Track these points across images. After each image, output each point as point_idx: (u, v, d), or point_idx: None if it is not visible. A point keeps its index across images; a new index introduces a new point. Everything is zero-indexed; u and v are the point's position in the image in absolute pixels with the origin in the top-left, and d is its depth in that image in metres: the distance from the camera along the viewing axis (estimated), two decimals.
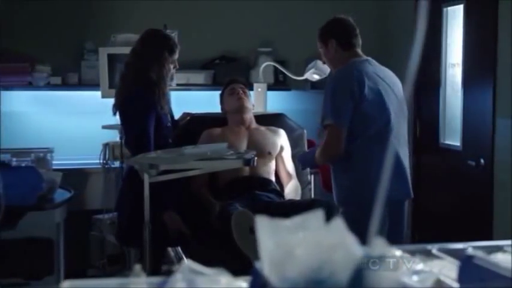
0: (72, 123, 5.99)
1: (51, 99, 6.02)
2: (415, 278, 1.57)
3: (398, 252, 1.76)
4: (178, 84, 5.91)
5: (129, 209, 4.11)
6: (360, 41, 4.08)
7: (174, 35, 4.83)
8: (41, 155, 4.25)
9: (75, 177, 5.58)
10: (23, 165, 3.96)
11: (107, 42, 5.45)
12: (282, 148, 4.56)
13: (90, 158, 5.59)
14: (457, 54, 5.33)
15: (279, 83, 6.17)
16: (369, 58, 4.03)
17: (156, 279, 1.45)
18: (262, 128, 4.63)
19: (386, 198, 3.99)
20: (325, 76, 4.73)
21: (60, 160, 5.74)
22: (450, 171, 5.42)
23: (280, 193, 4.40)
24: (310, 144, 4.86)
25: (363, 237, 3.77)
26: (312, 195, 4.76)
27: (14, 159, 4.07)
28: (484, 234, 4.73)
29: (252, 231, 3.60)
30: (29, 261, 3.80)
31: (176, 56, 4.30)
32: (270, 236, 1.19)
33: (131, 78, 4.19)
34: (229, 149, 3.87)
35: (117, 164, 5.22)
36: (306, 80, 5.15)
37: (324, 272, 1.08)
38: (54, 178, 3.71)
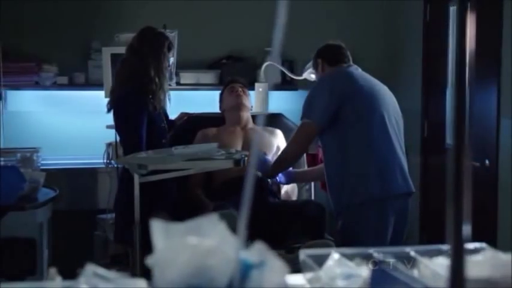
0: (79, 122, 6.00)
1: (57, 99, 6.03)
2: (341, 282, 1.54)
3: (336, 256, 1.74)
4: (184, 84, 5.92)
5: (123, 208, 4.12)
6: (350, 58, 4.17)
7: (174, 35, 4.83)
8: (27, 154, 4.25)
9: (80, 176, 5.62)
10: (9, 164, 3.97)
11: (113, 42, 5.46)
12: (278, 148, 4.54)
13: (95, 157, 5.59)
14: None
15: (286, 83, 6.13)
16: (356, 66, 4.10)
17: (71, 283, 1.44)
18: (259, 129, 4.61)
19: (390, 194, 3.98)
20: None
21: (66, 160, 5.78)
22: None
23: (276, 194, 4.38)
24: None
25: (360, 236, 3.74)
26: (312, 196, 4.73)
27: (2, 158, 4.09)
28: (489, 235, 4.69)
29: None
30: (11, 261, 3.80)
31: (172, 54, 4.31)
32: (162, 239, 1.17)
33: (127, 76, 4.20)
34: (220, 149, 3.85)
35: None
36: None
37: (202, 278, 1.05)
38: (38, 178, 3.71)
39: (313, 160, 4.65)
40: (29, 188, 3.62)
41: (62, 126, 6.00)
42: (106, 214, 5.30)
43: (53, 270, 1.40)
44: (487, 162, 4.84)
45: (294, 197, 4.52)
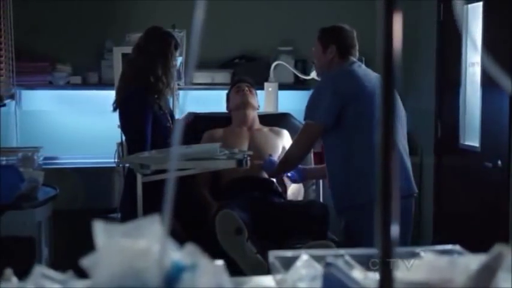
0: (92, 122, 6.02)
1: (71, 99, 6.06)
2: (304, 283, 1.52)
3: (305, 257, 1.71)
4: (198, 84, 5.91)
5: (128, 208, 4.12)
6: (357, 53, 4.11)
7: (182, 34, 4.83)
8: (29, 154, 4.26)
9: (92, 176, 5.63)
10: (9, 163, 3.99)
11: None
12: (283, 149, 4.52)
13: (108, 157, 5.60)
14: (476, 53, 5.20)
15: (299, 83, 6.10)
16: (359, 62, 4.03)
17: (21, 284, 1.43)
18: (265, 129, 4.60)
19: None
20: None
21: (78, 159, 5.79)
22: (469, 172, 5.30)
23: (281, 194, 4.36)
24: None
25: (363, 236, 3.71)
26: (320, 196, 4.70)
27: (4, 158, 4.11)
28: (502, 235, 4.64)
29: (237, 232, 3.56)
30: (10, 260, 3.79)
31: (179, 53, 4.31)
32: (103, 239, 1.16)
33: (133, 75, 4.20)
34: (223, 149, 3.83)
35: None
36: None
37: (133, 280, 1.04)
38: (37, 177, 3.71)
39: (320, 159, 4.63)
40: (28, 187, 3.63)
41: (75, 126, 6.02)
42: (117, 213, 5.32)
43: (8, 271, 1.39)
44: (499, 162, 4.79)
45: (300, 197, 4.49)
